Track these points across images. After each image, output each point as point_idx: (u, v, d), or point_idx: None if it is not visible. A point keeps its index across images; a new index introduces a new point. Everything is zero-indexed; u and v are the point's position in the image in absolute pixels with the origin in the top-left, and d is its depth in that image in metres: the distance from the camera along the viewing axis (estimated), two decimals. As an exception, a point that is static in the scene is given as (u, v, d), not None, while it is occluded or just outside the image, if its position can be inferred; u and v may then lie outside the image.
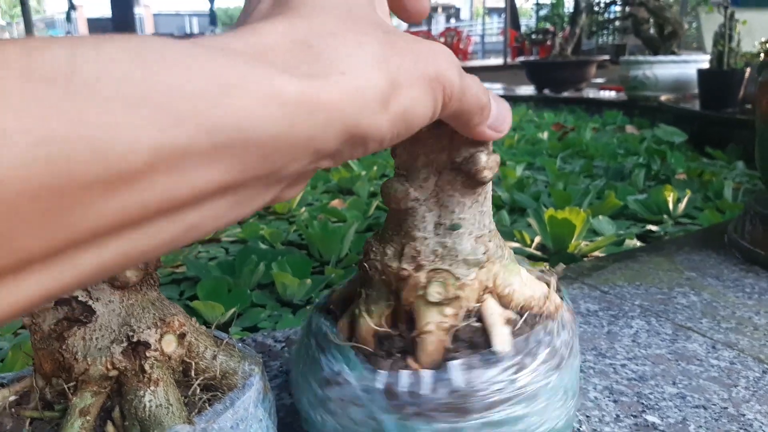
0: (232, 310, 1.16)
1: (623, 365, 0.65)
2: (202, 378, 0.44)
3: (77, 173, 0.14)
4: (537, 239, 1.60)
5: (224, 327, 1.13)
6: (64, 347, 0.40)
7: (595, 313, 0.78)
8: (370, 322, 0.39)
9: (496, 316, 0.38)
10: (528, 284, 0.41)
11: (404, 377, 0.37)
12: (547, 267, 0.46)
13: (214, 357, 0.45)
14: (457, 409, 0.36)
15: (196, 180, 0.17)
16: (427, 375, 0.37)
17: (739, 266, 0.93)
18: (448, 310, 0.38)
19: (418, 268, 0.38)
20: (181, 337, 0.43)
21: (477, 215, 0.39)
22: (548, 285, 0.43)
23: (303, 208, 1.96)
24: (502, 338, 0.38)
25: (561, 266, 0.48)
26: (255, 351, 0.61)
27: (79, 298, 0.40)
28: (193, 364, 0.44)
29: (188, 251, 1.62)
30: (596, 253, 1.52)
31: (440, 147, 0.36)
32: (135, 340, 0.40)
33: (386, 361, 0.38)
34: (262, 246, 1.62)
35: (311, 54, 0.21)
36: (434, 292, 0.38)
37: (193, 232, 0.19)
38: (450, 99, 0.26)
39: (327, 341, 0.41)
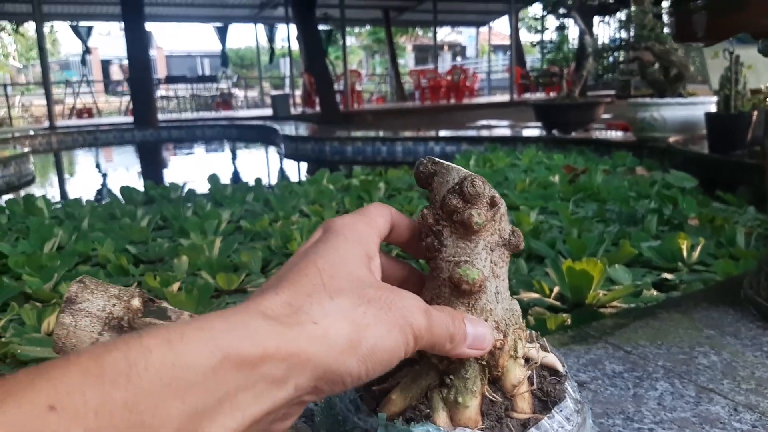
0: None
1: (651, 429, 0.69)
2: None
3: None
4: (556, 289, 1.64)
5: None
6: None
7: (621, 375, 0.81)
8: (474, 403, 0.42)
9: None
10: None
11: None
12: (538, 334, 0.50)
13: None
14: None
15: (217, 415, 0.25)
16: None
17: (756, 323, 0.96)
18: (524, 365, 0.44)
19: (506, 334, 0.42)
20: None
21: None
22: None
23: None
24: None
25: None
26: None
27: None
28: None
29: (216, 303, 1.67)
30: (615, 303, 1.55)
31: (493, 230, 0.42)
32: None
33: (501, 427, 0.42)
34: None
35: (292, 309, 0.30)
36: (520, 350, 0.43)
37: None
38: (419, 334, 0.33)
39: None
